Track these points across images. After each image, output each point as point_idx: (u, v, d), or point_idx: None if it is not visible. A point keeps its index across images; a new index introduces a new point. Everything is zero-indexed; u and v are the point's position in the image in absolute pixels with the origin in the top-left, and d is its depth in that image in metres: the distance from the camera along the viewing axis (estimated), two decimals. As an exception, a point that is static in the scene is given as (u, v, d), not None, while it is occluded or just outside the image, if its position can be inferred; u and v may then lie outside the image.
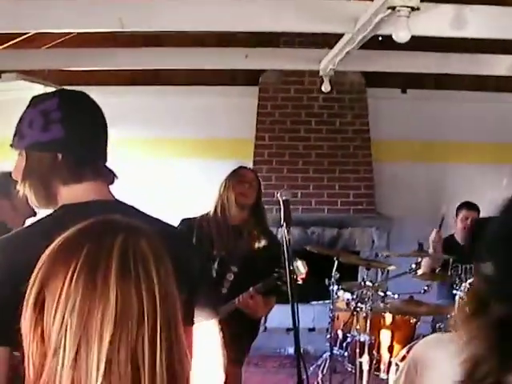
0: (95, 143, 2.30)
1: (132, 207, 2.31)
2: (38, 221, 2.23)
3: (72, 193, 2.22)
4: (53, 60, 6.96)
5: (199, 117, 9.23)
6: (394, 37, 3.51)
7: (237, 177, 4.79)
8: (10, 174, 4.76)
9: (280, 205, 4.08)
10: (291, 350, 8.31)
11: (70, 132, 2.19)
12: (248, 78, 9.07)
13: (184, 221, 4.93)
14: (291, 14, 4.62)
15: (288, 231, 4.01)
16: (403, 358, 5.16)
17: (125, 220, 1.55)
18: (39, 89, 7.72)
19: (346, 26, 4.60)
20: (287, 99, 9.10)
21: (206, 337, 2.34)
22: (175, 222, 4.88)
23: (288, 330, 8.31)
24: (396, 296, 6.42)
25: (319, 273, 6.07)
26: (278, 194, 4.13)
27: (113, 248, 1.44)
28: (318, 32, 5.28)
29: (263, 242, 4.80)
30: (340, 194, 9.05)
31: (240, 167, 4.94)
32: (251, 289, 4.55)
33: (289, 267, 4.08)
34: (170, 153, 9.35)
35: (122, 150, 9.28)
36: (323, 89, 7.00)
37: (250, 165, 8.80)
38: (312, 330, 8.47)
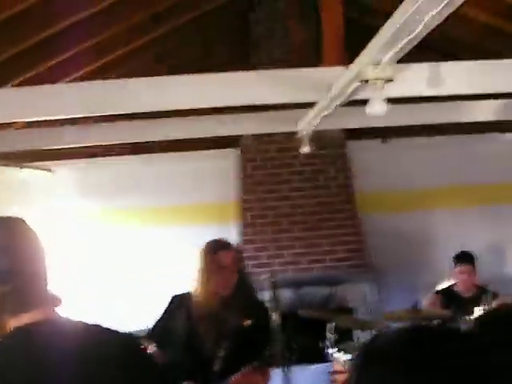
0: (38, 269, 2.23)
1: (81, 322, 2.24)
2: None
3: (21, 321, 2.14)
4: (25, 141, 6.86)
5: (182, 183, 9.11)
6: (368, 111, 3.39)
7: (215, 264, 4.60)
8: None
9: (268, 288, 3.95)
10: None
11: (13, 262, 2.13)
12: (229, 141, 8.92)
13: (175, 297, 4.83)
14: (265, 87, 4.52)
15: (278, 315, 3.89)
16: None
17: None
18: (16, 170, 7.67)
19: (319, 95, 4.51)
20: (267, 159, 8.99)
21: None
22: (169, 295, 4.81)
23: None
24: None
25: (313, 335, 5.91)
26: (264, 277, 4.00)
27: None
28: (292, 102, 5.17)
29: (252, 316, 4.65)
30: (329, 251, 8.91)
31: (218, 248, 4.69)
32: (243, 369, 4.40)
33: (283, 349, 3.94)
34: (152, 221, 9.20)
35: (108, 220, 9.17)
36: (302, 151, 6.90)
37: (234, 229, 8.73)
38: (310, 391, 8.25)
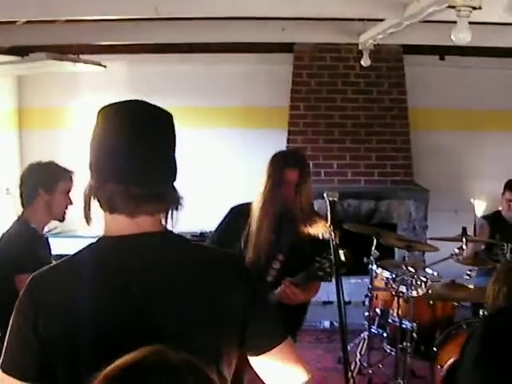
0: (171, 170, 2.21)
1: (179, 237, 2.19)
2: (75, 255, 2.06)
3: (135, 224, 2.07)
4: (82, 35, 6.82)
5: (234, 85, 9.04)
6: (452, 37, 3.30)
7: (281, 183, 4.56)
8: (55, 166, 4.59)
9: (327, 206, 3.93)
10: (327, 324, 8.25)
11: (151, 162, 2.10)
12: (283, 46, 8.79)
13: (235, 208, 4.83)
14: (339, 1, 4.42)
15: (335, 234, 3.87)
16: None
17: (172, 356, 1.44)
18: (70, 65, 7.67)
19: (394, 13, 4.40)
20: (323, 68, 8.87)
21: (284, 360, 2.22)
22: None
23: (324, 303, 8.23)
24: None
25: (356, 248, 5.90)
26: (325, 195, 3.97)
27: None
28: (366, 18, 5.05)
29: (310, 228, 4.63)
30: (377, 165, 8.87)
31: (284, 165, 4.66)
32: (285, 281, 4.43)
33: (336, 267, 3.94)
34: (205, 122, 9.16)
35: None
36: (363, 63, 6.82)
37: (285, 134, 8.70)
38: (348, 303, 8.35)
